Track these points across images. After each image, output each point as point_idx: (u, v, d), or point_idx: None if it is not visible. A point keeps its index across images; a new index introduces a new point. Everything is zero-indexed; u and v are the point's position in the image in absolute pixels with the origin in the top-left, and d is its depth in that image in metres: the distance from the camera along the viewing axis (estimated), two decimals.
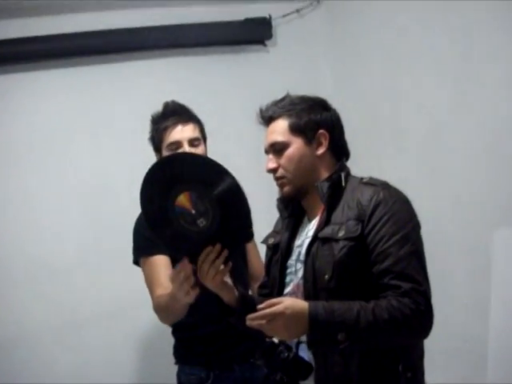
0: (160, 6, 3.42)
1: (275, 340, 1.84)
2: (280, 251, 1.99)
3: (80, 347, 3.17)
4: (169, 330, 2.58)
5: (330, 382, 1.78)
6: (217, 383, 2.48)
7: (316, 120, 1.92)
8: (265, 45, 3.65)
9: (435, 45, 3.01)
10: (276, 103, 1.98)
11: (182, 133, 2.46)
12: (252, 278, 2.63)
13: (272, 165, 1.92)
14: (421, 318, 1.70)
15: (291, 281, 1.93)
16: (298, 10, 3.68)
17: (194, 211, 1.85)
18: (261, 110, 1.99)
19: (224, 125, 3.33)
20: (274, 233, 2.09)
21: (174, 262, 2.44)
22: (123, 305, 3.14)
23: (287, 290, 1.93)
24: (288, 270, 1.95)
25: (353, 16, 3.58)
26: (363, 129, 3.27)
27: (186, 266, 1.91)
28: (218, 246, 1.85)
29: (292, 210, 2.00)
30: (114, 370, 3.18)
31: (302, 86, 3.81)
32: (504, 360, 2.63)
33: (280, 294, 1.93)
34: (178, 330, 2.56)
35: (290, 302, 1.71)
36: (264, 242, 2.11)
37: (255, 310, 1.75)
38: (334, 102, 2.07)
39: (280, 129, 1.92)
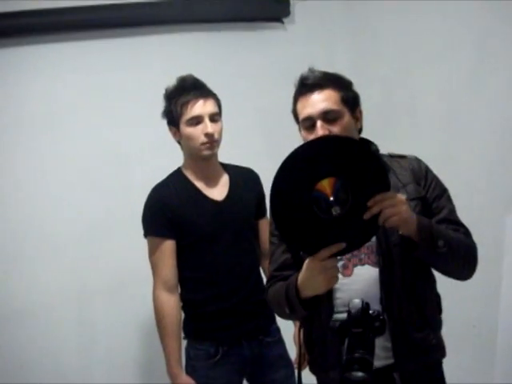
0: None
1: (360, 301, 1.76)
2: None
3: (89, 319, 3.18)
4: None
5: (407, 330, 1.88)
6: (225, 359, 2.50)
7: (356, 96, 2.00)
8: (282, 22, 3.62)
9: (451, 30, 3.00)
10: (315, 73, 1.99)
11: (203, 107, 2.46)
12: (262, 255, 2.63)
13: (325, 132, 1.90)
14: (476, 254, 1.95)
15: None
16: None
17: (332, 198, 1.71)
18: (304, 77, 1.99)
19: (239, 101, 3.31)
20: None
21: (180, 244, 2.49)
22: (133, 278, 3.15)
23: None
24: None
25: None
26: (378, 109, 3.25)
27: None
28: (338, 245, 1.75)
29: None
30: (122, 342, 3.20)
31: (318, 64, 3.78)
32: None
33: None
34: (188, 305, 2.57)
35: None
36: None
37: None
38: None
39: (333, 98, 1.93)
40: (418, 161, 2.04)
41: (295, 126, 3.58)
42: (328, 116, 1.91)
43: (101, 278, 3.20)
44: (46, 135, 3.16)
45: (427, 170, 2.02)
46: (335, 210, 1.72)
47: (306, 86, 1.97)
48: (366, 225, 1.74)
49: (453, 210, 2.00)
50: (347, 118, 1.93)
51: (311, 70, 2.00)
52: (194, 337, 2.56)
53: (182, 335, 2.60)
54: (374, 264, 1.89)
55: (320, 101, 1.93)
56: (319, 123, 1.91)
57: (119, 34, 3.29)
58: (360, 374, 1.64)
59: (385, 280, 1.87)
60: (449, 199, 2.01)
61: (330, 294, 1.90)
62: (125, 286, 3.20)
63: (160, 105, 2.55)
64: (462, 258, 1.91)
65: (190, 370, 2.54)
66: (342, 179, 1.71)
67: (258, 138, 3.47)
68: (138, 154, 3.27)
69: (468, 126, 2.98)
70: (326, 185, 1.71)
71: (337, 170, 1.72)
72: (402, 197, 1.78)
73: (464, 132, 2.98)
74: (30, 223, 3.12)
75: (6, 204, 3.10)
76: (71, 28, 3.21)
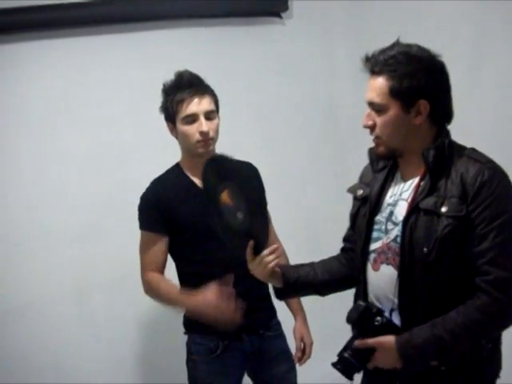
0: None
1: (368, 304, 1.88)
2: (369, 205, 1.96)
3: (89, 313, 3.19)
4: None
5: None
6: (226, 353, 2.51)
7: (418, 88, 1.78)
8: (281, 17, 3.62)
9: (450, 20, 3.00)
10: (383, 54, 1.82)
11: (198, 106, 2.46)
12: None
13: (368, 122, 1.84)
14: (504, 310, 1.72)
15: (379, 238, 1.91)
16: None
17: (233, 206, 2.02)
18: (367, 58, 1.84)
19: (238, 96, 3.31)
20: (363, 184, 2.04)
21: (175, 239, 2.50)
22: (132, 272, 3.15)
23: (375, 245, 1.91)
24: (376, 226, 1.93)
25: None
26: None
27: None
28: (251, 243, 2.01)
29: (385, 162, 1.96)
30: (122, 336, 3.21)
31: (317, 60, 3.81)
32: None
33: (365, 248, 1.93)
34: None
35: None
36: (351, 191, 2.07)
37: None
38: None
39: (380, 89, 1.80)
40: (482, 171, 1.75)
41: (294, 121, 3.62)
42: (374, 107, 1.83)
43: (100, 273, 3.20)
44: (44, 131, 3.15)
45: (482, 186, 1.72)
46: (239, 215, 2.02)
47: (366, 68, 1.85)
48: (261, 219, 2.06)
49: (496, 245, 1.70)
50: (393, 112, 1.80)
51: (380, 50, 1.84)
52: (194, 332, 2.57)
53: (183, 330, 2.62)
54: (396, 268, 1.84)
55: (370, 89, 1.83)
56: (367, 111, 1.85)
57: (117, 30, 3.27)
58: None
59: (402, 289, 1.82)
60: (498, 229, 1.71)
61: (365, 284, 1.94)
62: (124, 280, 3.19)
63: (159, 100, 2.55)
64: (470, 341, 1.77)
65: (191, 365, 2.56)
66: (230, 189, 2.02)
67: (257, 133, 3.48)
68: (137, 149, 3.26)
69: (463, 124, 2.97)
70: (225, 197, 2.04)
71: (221, 183, 2.04)
72: (382, 349, 1.78)
73: (460, 129, 2.98)
74: (28, 219, 3.11)
75: (3, 200, 3.09)
76: (68, 24, 3.18)
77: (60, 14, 3.16)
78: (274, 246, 2.07)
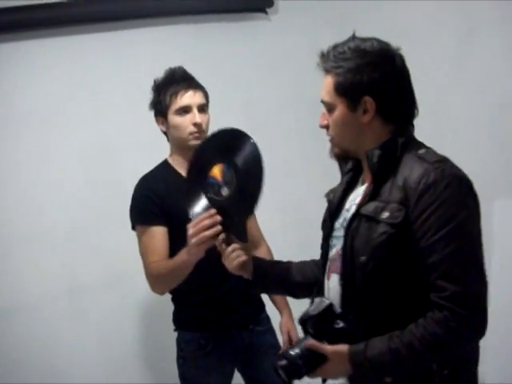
0: None
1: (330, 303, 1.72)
2: (329, 209, 1.88)
3: (79, 314, 3.18)
4: (168, 296, 2.59)
5: None
6: (216, 349, 2.51)
7: (361, 84, 1.67)
8: (266, 13, 3.62)
9: (436, 15, 3.00)
10: (334, 50, 1.73)
11: (193, 98, 2.49)
12: (250, 243, 2.62)
13: (323, 122, 1.76)
14: (466, 324, 1.56)
15: (334, 245, 1.81)
16: None
17: (221, 181, 1.98)
18: (321, 55, 1.75)
19: (224, 93, 3.30)
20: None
21: (172, 234, 2.48)
22: (123, 271, 3.15)
23: (331, 253, 1.82)
24: (334, 233, 1.82)
25: None
26: None
27: (214, 214, 1.99)
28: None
29: (352, 164, 1.85)
30: (113, 337, 3.20)
31: (303, 55, 3.79)
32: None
33: (325, 256, 1.84)
34: (177, 296, 2.58)
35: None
36: (326, 195, 1.96)
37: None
38: None
39: (327, 87, 1.72)
40: (428, 173, 1.59)
41: (281, 116, 3.61)
42: (325, 106, 1.75)
43: (92, 272, 3.19)
44: (34, 131, 3.14)
45: (426, 190, 1.56)
46: (224, 191, 1.97)
47: (320, 66, 1.76)
48: (247, 202, 1.95)
49: (448, 256, 1.54)
50: (340, 110, 1.71)
51: (337, 45, 1.74)
52: (184, 328, 2.57)
53: (173, 327, 2.61)
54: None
55: (322, 88, 1.75)
56: (321, 111, 1.77)
57: (105, 28, 3.28)
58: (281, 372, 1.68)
59: (344, 299, 1.72)
60: (448, 239, 1.54)
61: (322, 292, 1.84)
62: (116, 279, 3.20)
63: (147, 99, 2.56)
64: (428, 357, 1.60)
65: (182, 362, 2.56)
66: (227, 164, 1.97)
67: (244, 129, 3.46)
68: (128, 147, 3.26)
69: (453, 111, 2.99)
70: (216, 171, 1.99)
71: (221, 157, 2.00)
72: (335, 359, 1.64)
73: (449, 117, 2.99)
74: (19, 218, 3.10)
75: None
76: (56, 23, 3.19)
77: (45, 14, 3.16)
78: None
